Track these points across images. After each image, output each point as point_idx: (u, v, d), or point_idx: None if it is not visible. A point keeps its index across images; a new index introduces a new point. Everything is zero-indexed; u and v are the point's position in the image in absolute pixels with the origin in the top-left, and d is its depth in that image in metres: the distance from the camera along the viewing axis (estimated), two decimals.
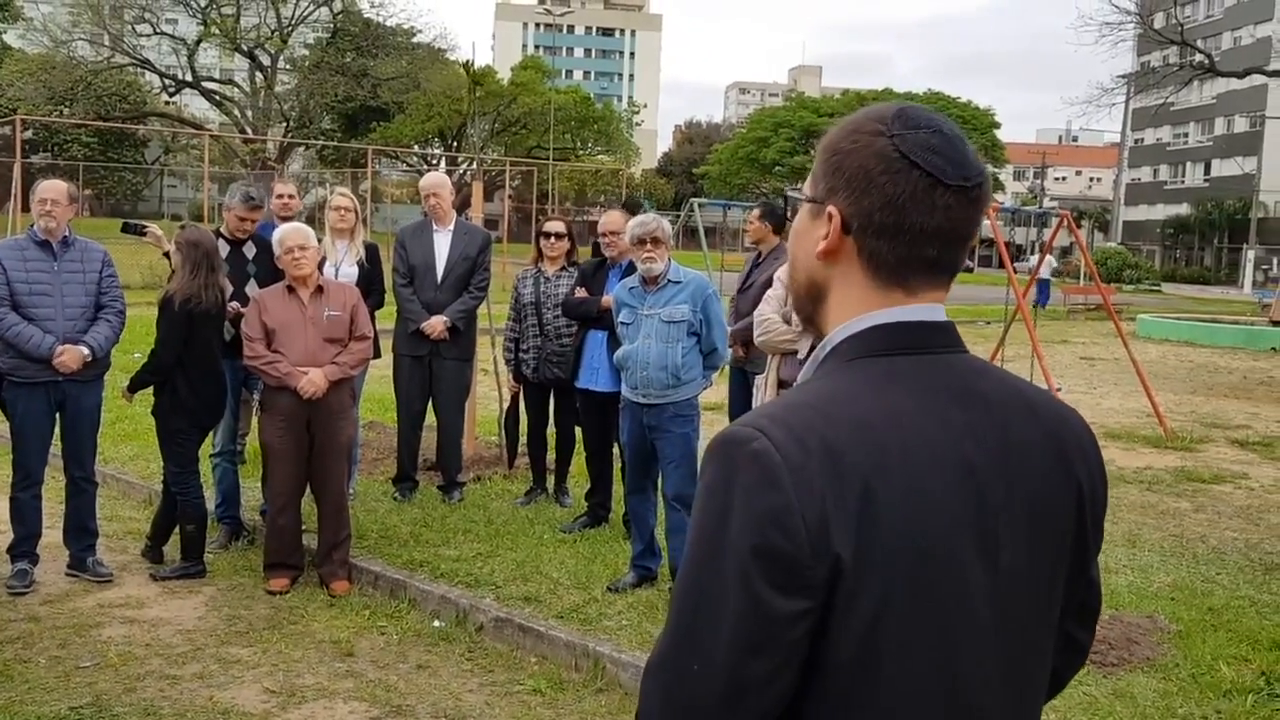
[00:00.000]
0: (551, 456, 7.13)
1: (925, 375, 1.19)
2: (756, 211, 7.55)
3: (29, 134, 48.46)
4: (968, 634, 1.14)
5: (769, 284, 7.03)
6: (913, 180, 1.18)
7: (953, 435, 1.15)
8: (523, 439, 7.28)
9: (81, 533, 5.55)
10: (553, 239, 6.82)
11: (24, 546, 5.39)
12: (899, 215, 1.18)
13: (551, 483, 7.08)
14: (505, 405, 7.43)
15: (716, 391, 6.95)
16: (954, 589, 1.13)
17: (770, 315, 5.03)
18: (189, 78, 53.99)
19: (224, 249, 6.21)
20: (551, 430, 7.07)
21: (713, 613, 1.09)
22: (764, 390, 5.15)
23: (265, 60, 53.94)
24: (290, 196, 6.90)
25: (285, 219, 6.66)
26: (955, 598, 1.13)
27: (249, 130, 52.77)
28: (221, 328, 5.72)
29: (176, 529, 5.65)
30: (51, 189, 5.37)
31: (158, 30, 52.19)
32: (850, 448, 1.10)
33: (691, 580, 1.12)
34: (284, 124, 54.74)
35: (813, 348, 4.66)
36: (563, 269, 6.81)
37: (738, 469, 1.10)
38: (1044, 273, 29.50)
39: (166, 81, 54.46)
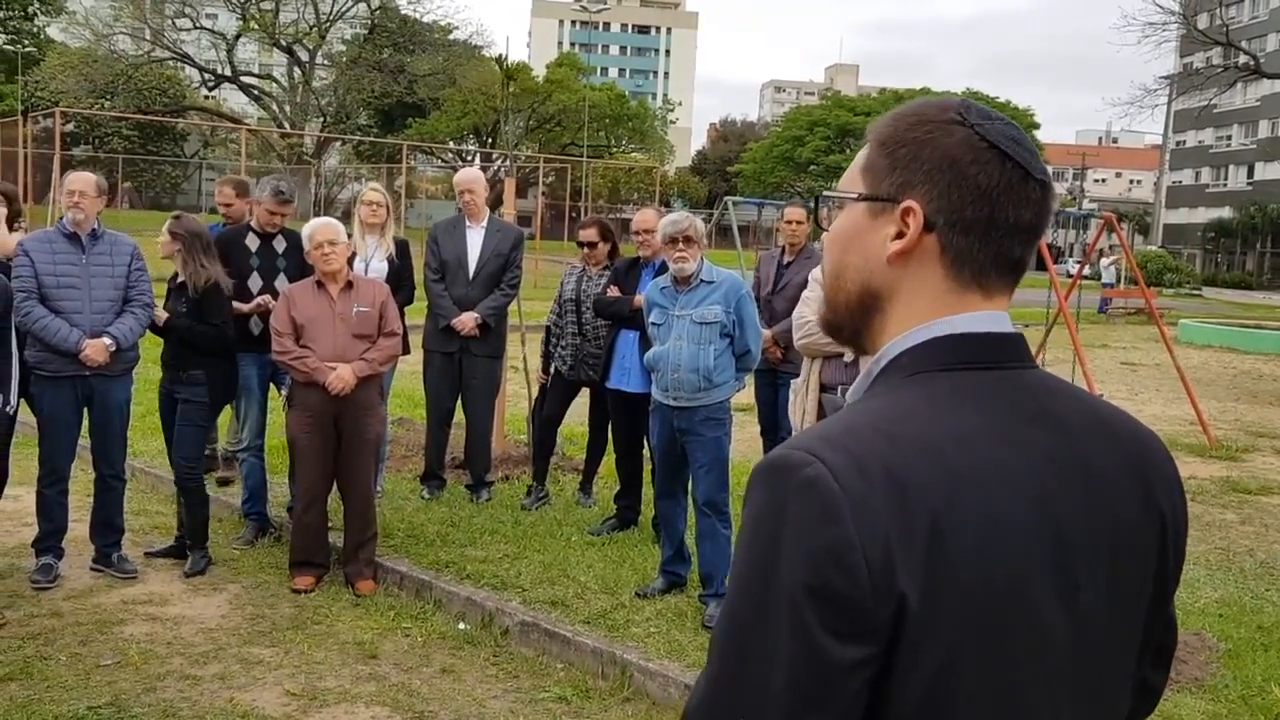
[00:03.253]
0: (581, 456, 7.01)
1: (996, 394, 1.06)
2: (802, 210, 7.37)
3: (70, 127, 49.10)
4: (1042, 683, 1.01)
5: (805, 284, 6.89)
6: (1006, 171, 1.07)
7: (1028, 461, 1.03)
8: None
9: (107, 529, 5.51)
10: (587, 248, 6.71)
11: (49, 541, 5.36)
12: (992, 209, 1.07)
13: (576, 481, 6.97)
14: (534, 400, 7.33)
15: (748, 393, 6.83)
16: (1028, 634, 1.00)
17: (811, 317, 4.88)
18: (228, 72, 54.52)
19: (254, 242, 6.18)
20: (583, 430, 6.97)
21: (762, 659, 0.96)
22: (802, 395, 5.00)
23: (303, 55, 54.35)
24: (227, 205, 6.80)
25: (231, 221, 6.59)
26: (1029, 643, 1.00)
27: (286, 125, 53.21)
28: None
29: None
30: (79, 180, 5.33)
31: (197, 25, 52.72)
32: (917, 476, 0.97)
33: (737, 622, 0.99)
34: (321, 119, 55.16)
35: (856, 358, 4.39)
36: (605, 268, 6.70)
37: (789, 499, 0.97)
38: (1108, 277, 29.00)
39: (206, 76, 55.05)
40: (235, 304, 5.78)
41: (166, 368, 5.60)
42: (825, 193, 1.20)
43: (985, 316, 1.09)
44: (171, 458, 5.66)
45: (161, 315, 5.49)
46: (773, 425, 6.65)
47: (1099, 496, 1.06)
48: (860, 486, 0.95)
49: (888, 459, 0.97)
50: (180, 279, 5.53)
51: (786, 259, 6.93)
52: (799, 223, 7.04)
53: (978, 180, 1.07)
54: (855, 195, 1.14)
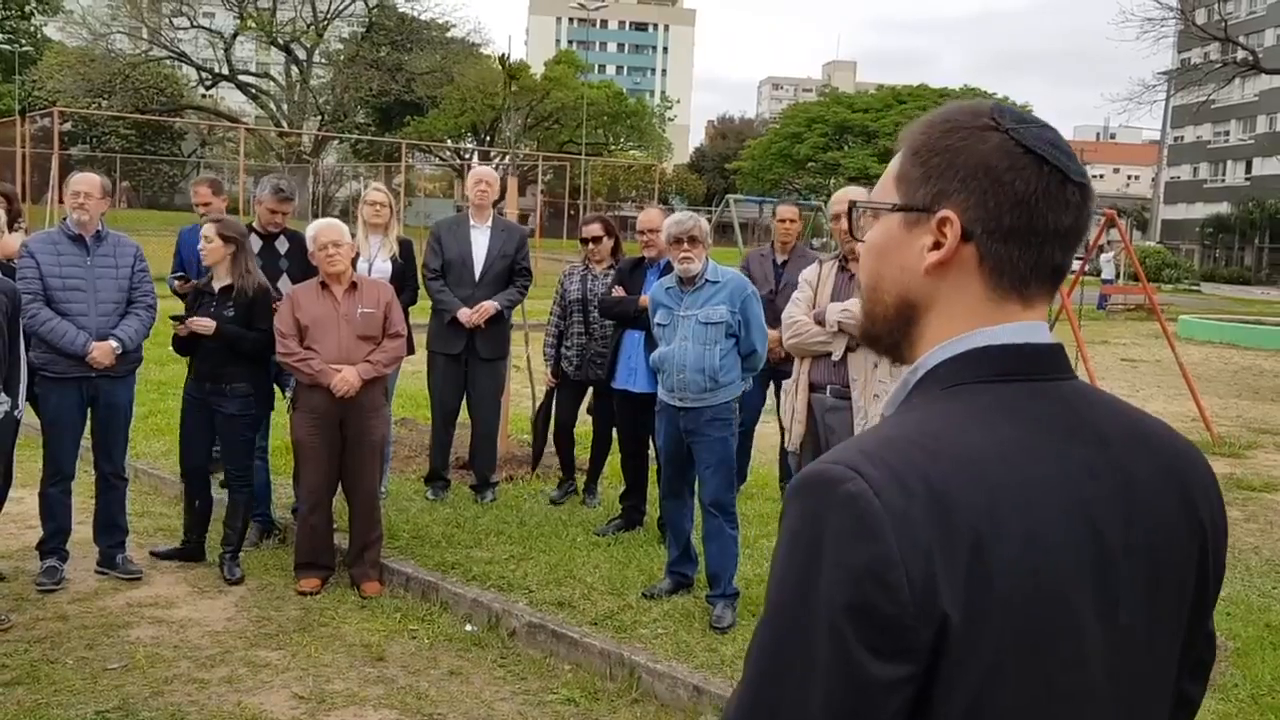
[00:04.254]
0: (585, 456, 7.01)
1: (1036, 406, 1.05)
2: (794, 209, 7.37)
3: (67, 126, 49.03)
4: (1082, 699, 1.00)
5: None
6: (1044, 176, 1.05)
7: (1070, 476, 1.01)
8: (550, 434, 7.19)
9: (111, 529, 5.50)
10: (591, 244, 6.71)
11: (54, 543, 5.35)
12: (1030, 216, 1.05)
13: (582, 481, 6.98)
14: (539, 402, 7.33)
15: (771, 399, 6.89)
16: (1069, 649, 0.99)
17: (800, 317, 4.86)
18: (225, 71, 54.48)
19: (256, 244, 6.14)
20: (588, 429, 6.97)
21: (800, 677, 0.94)
22: (792, 395, 4.98)
23: (301, 54, 54.29)
24: (206, 204, 6.67)
25: (214, 221, 6.55)
26: (1070, 659, 0.99)
27: (284, 124, 53.15)
28: None
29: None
30: (85, 182, 5.31)
31: (195, 24, 52.70)
32: (959, 491, 0.95)
33: (774, 641, 0.98)
34: (319, 117, 55.11)
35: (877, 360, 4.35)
36: (610, 267, 6.70)
37: (828, 514, 0.95)
38: (1108, 273, 28.97)
39: (203, 75, 54.99)
40: None
41: (202, 378, 5.47)
42: (859, 201, 1.19)
43: (1024, 327, 1.08)
44: (189, 462, 5.62)
45: (207, 324, 5.34)
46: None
47: (1140, 510, 1.05)
48: (901, 502, 0.94)
49: (928, 473, 0.96)
50: (220, 284, 5.45)
51: (780, 258, 6.94)
52: (791, 221, 7.06)
53: (1015, 187, 1.05)
54: (890, 205, 1.12)
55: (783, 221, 7.06)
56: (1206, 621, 1.16)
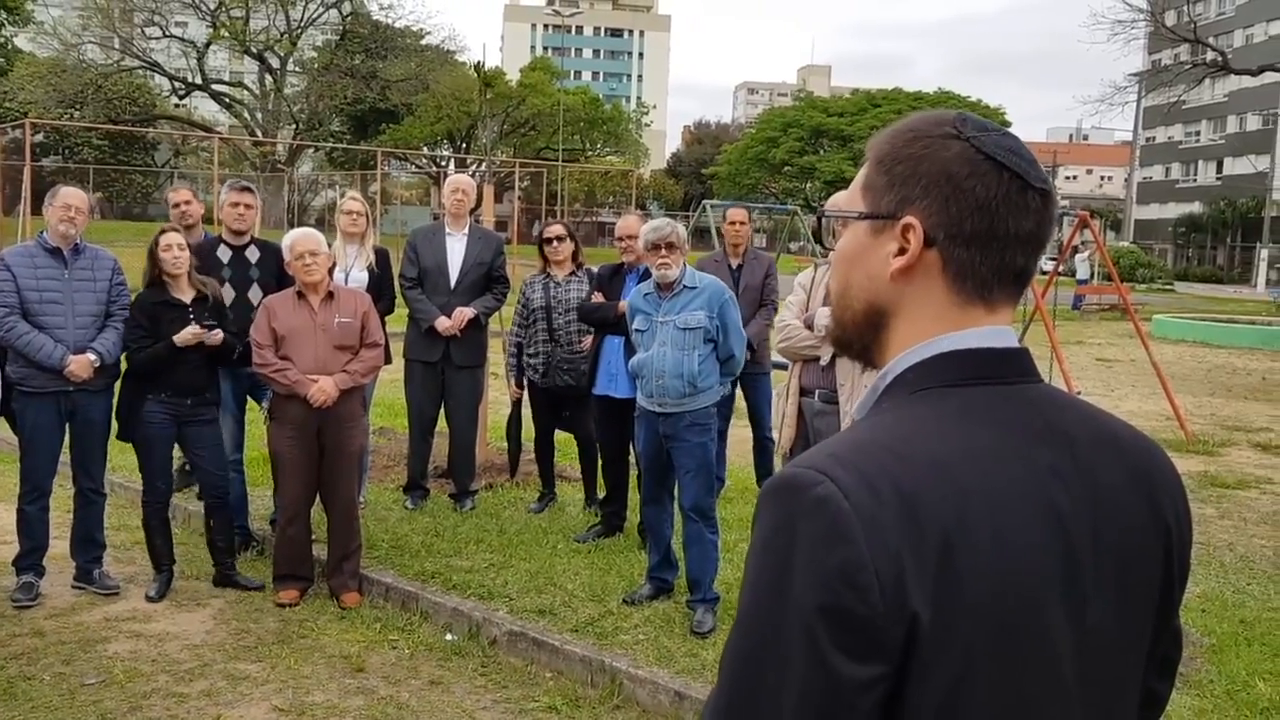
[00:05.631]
0: (567, 464, 7.00)
1: (1004, 410, 1.07)
2: (743, 211, 7.43)
3: (39, 137, 48.65)
4: (1051, 697, 1.02)
5: (762, 287, 6.95)
6: (1004, 182, 1.07)
7: (1037, 478, 1.03)
8: (528, 445, 7.18)
9: (89, 544, 5.46)
10: (554, 242, 6.70)
11: (30, 559, 5.31)
12: (991, 221, 1.07)
13: (564, 489, 6.96)
14: (509, 415, 7.33)
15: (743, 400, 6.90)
16: (1038, 648, 1.00)
17: (792, 321, 4.90)
18: (198, 80, 54.13)
19: (226, 253, 6.09)
20: (570, 438, 6.97)
21: (775, 679, 0.96)
22: (783, 399, 5.03)
23: (274, 63, 54.03)
24: (187, 203, 6.55)
25: (188, 227, 6.49)
26: (1039, 658, 1.01)
27: (259, 133, 52.85)
28: None
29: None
30: (75, 196, 5.28)
31: (167, 33, 52.31)
32: (928, 494, 0.97)
33: (748, 644, 0.99)
34: (293, 126, 54.84)
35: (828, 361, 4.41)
36: (572, 273, 6.69)
37: (799, 518, 0.97)
38: (1082, 273, 29.26)
39: (176, 84, 54.58)
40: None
41: (185, 393, 5.34)
42: (827, 211, 1.21)
43: (989, 332, 1.10)
44: (156, 482, 5.47)
45: (218, 335, 5.30)
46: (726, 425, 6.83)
47: (1107, 510, 1.07)
48: (871, 505, 0.96)
49: (897, 477, 0.98)
50: (185, 296, 5.35)
51: (734, 261, 7.01)
52: (741, 223, 7.15)
53: (976, 192, 1.07)
54: (856, 214, 1.15)
55: (733, 224, 7.12)
56: (1173, 619, 1.18)
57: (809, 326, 4.76)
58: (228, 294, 5.94)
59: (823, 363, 4.75)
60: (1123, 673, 1.10)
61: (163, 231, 5.42)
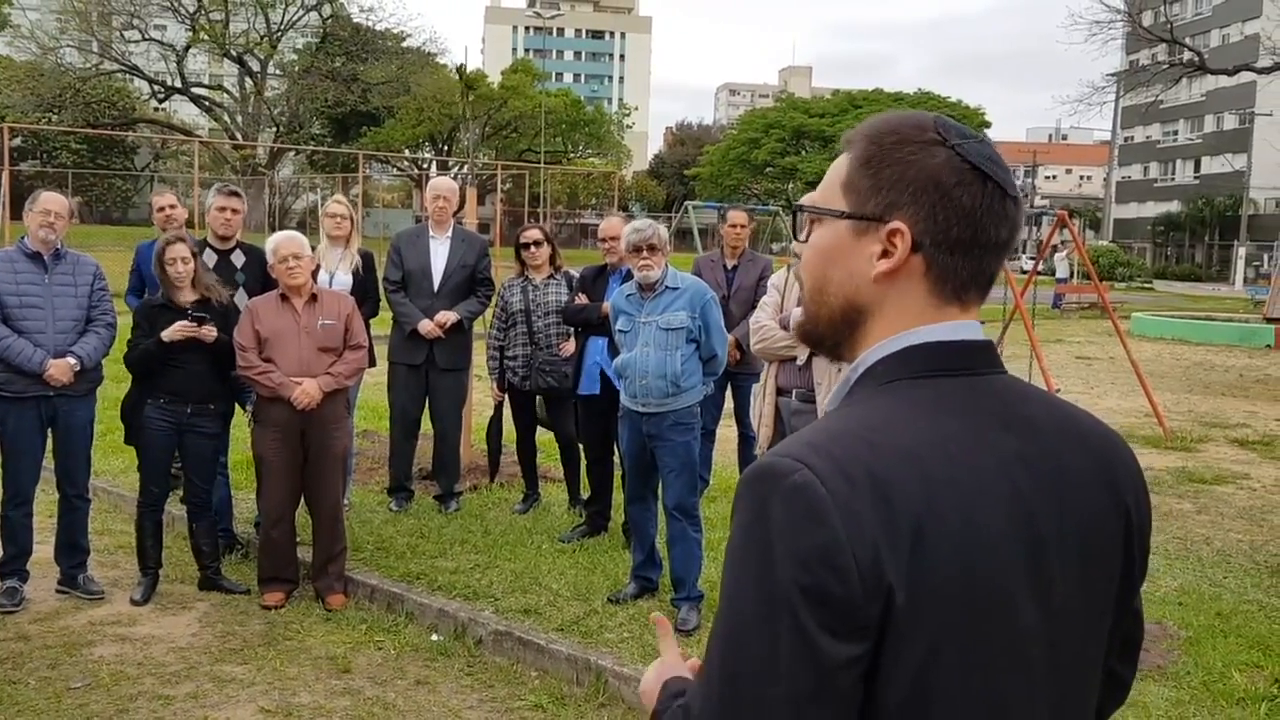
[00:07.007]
0: (549, 465, 7.02)
1: (970, 400, 1.11)
2: (744, 214, 7.46)
3: (17, 142, 48.29)
4: (1019, 676, 1.06)
5: (755, 289, 6.99)
6: (987, 192, 1.12)
7: (1003, 465, 1.08)
8: (510, 447, 7.19)
9: (73, 549, 5.45)
10: (532, 247, 6.71)
11: (14, 565, 5.29)
12: (975, 229, 1.12)
13: (548, 489, 6.99)
14: (490, 418, 7.34)
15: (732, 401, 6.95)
16: (1005, 629, 1.05)
17: (767, 322, 4.95)
18: (178, 84, 53.92)
19: (211, 258, 6.10)
20: (550, 439, 6.99)
21: (763, 664, 1.00)
22: (760, 399, 5.07)
23: (255, 66, 53.85)
24: (172, 207, 6.60)
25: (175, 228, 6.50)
26: (1007, 638, 1.05)
27: (239, 136, 52.66)
28: None
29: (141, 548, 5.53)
30: (56, 202, 5.28)
31: (146, 36, 52.08)
32: (899, 480, 1.02)
33: (734, 629, 1.03)
34: (274, 129, 54.68)
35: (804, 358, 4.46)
36: (550, 276, 6.71)
37: (778, 505, 1.01)
38: (1062, 272, 29.49)
39: (155, 88, 54.36)
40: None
41: (183, 400, 5.34)
42: (805, 206, 1.23)
43: (958, 325, 1.14)
44: (157, 492, 5.48)
45: (211, 330, 5.29)
46: (715, 426, 6.86)
47: (1070, 496, 1.12)
48: (845, 490, 1.00)
49: (870, 464, 1.02)
50: (186, 300, 5.34)
51: (730, 262, 7.05)
52: (742, 226, 7.17)
53: (962, 201, 1.11)
54: (839, 213, 1.17)
55: (733, 227, 7.15)
56: (1134, 600, 1.23)
57: (784, 327, 4.81)
58: None
59: (799, 362, 4.80)
60: (1087, 653, 1.15)
61: (168, 243, 5.43)
